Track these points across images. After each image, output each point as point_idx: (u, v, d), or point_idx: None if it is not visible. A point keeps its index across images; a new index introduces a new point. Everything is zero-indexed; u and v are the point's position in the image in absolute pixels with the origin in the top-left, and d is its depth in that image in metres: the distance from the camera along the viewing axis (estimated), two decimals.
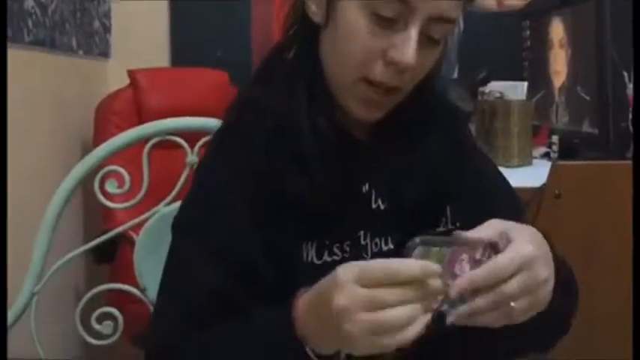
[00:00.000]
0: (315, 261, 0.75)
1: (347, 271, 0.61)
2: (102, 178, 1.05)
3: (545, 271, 0.65)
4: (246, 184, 0.75)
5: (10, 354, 1.01)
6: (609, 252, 1.27)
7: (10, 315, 1.03)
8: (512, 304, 0.63)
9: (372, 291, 0.59)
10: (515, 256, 0.63)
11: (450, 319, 0.63)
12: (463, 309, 0.63)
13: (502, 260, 0.63)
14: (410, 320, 0.59)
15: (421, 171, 0.78)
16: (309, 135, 0.74)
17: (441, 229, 0.82)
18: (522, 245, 0.64)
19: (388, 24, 0.70)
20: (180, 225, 0.80)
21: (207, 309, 0.72)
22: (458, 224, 0.82)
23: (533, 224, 1.25)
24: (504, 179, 0.91)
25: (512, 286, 0.63)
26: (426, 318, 0.60)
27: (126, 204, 1.07)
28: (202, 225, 0.77)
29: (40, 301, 1.05)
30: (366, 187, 0.78)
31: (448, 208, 0.82)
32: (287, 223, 0.74)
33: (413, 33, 0.70)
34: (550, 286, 0.66)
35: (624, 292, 0.96)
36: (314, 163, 0.74)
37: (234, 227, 0.75)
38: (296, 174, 0.73)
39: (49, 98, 1.76)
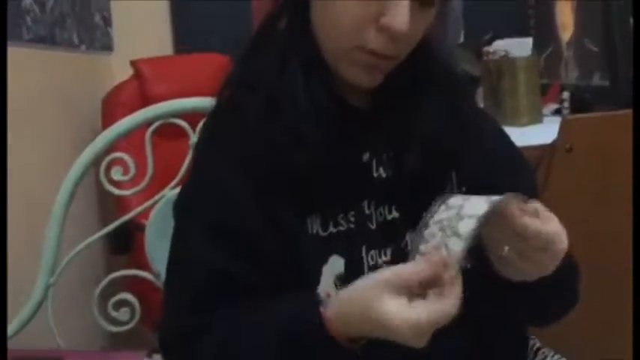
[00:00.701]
0: (321, 233, 0.74)
1: (378, 282, 0.62)
2: (108, 167, 1.06)
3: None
4: (244, 163, 0.74)
5: (28, 345, 1.03)
6: (623, 200, 1.24)
7: (28, 308, 1.04)
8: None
9: (415, 313, 0.60)
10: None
11: None
12: None
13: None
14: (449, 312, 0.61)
15: (421, 136, 0.77)
16: (305, 107, 0.73)
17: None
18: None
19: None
20: (180, 207, 0.79)
21: (213, 290, 0.72)
22: (464, 189, 0.80)
23: (545, 181, 1.24)
24: (509, 140, 0.90)
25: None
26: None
27: (132, 190, 1.07)
28: (202, 205, 0.76)
29: (57, 294, 1.06)
30: (366, 156, 0.77)
31: (454, 174, 0.81)
32: (290, 198, 0.73)
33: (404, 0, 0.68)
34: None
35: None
36: (312, 135, 0.72)
37: (235, 206, 0.74)
38: (294, 148, 0.72)
39: (54, 95, 1.76)
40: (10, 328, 1.03)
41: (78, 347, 1.21)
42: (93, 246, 1.11)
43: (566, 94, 1.67)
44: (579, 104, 1.63)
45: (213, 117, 0.81)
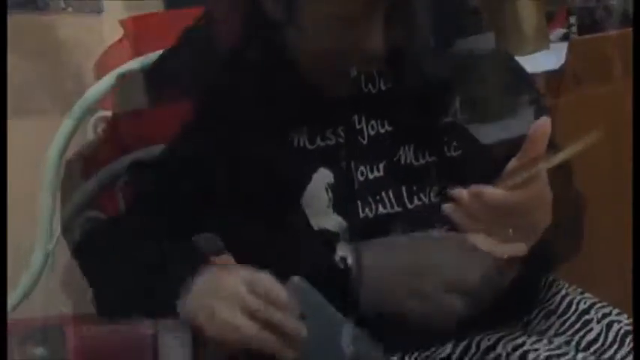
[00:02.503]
0: (308, 146, 0.75)
1: (240, 272, 0.68)
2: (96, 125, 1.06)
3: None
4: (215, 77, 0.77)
5: (32, 313, 1.03)
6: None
7: (28, 278, 1.04)
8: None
9: (251, 298, 0.66)
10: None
11: None
12: None
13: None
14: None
15: (412, 47, 0.77)
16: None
17: (449, 119, 0.79)
18: None
19: (355, 17, 0.70)
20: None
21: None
22: (466, 116, 0.79)
23: (554, 106, 1.19)
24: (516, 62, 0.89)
25: None
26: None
27: None
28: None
29: (58, 260, 1.06)
30: (353, 72, 0.76)
31: (458, 99, 0.79)
32: (273, 112, 0.74)
33: (378, 22, 0.70)
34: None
35: None
36: (296, 52, 0.74)
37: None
38: (278, 64, 0.74)
39: (42, 61, 1.74)
40: (12, 298, 1.03)
41: (83, 310, 1.22)
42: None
43: (573, 19, 1.62)
44: (587, 27, 1.58)
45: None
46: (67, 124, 1.05)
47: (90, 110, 1.07)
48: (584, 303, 0.85)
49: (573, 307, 0.85)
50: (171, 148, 0.80)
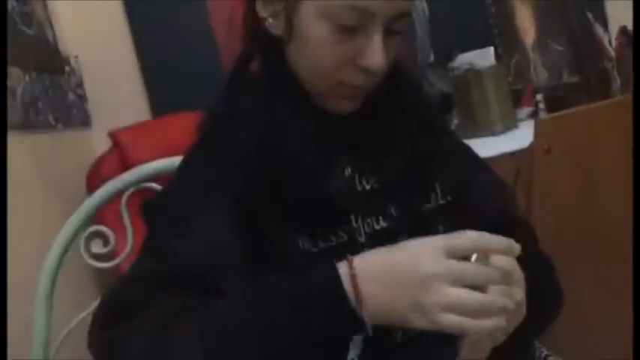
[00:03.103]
0: (312, 249, 0.75)
1: (434, 241, 0.62)
2: (88, 241, 1.06)
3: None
4: (228, 181, 0.75)
5: None
6: (608, 193, 1.23)
7: None
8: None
9: (461, 265, 0.60)
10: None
11: None
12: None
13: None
14: (493, 312, 0.60)
15: (396, 145, 0.80)
16: (300, 138, 0.75)
17: (432, 204, 0.83)
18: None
19: (352, 31, 0.72)
20: (154, 210, 0.78)
21: (176, 282, 0.69)
22: (449, 198, 0.83)
23: (529, 185, 1.24)
24: (480, 160, 0.93)
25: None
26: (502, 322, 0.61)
27: (112, 262, 1.07)
28: (178, 210, 0.75)
29: None
30: (348, 171, 0.79)
31: (437, 184, 0.83)
32: (279, 216, 0.74)
33: (377, 38, 0.72)
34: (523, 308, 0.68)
35: (626, 232, 0.93)
36: (301, 159, 0.75)
37: (211, 213, 0.73)
38: (284, 170, 0.74)
39: (36, 177, 1.77)
40: None
41: None
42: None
43: (539, 96, 1.67)
44: (554, 103, 1.63)
45: (199, 143, 0.82)
46: (60, 238, 1.06)
47: (84, 224, 1.07)
48: None
49: None
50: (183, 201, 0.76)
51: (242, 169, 0.74)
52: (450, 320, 0.61)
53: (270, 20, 0.77)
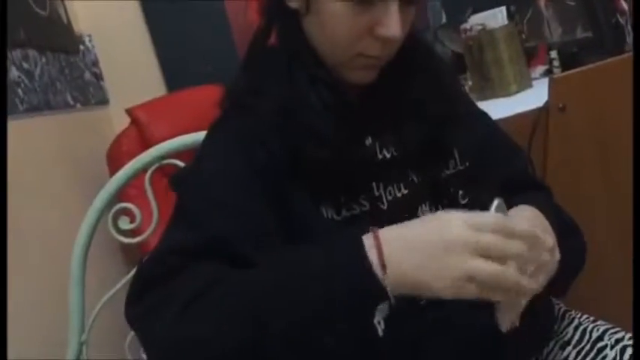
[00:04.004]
0: (335, 217, 0.77)
1: (458, 214, 0.64)
2: (115, 217, 1.09)
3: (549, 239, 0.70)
4: (253, 150, 0.76)
5: None
6: (624, 149, 1.23)
7: None
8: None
9: (485, 235, 0.62)
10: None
11: None
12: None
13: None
14: (515, 285, 0.62)
15: (411, 116, 0.81)
16: (318, 108, 0.77)
17: (451, 170, 0.84)
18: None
19: (369, 2, 0.73)
20: (183, 182, 0.80)
21: (210, 251, 0.71)
22: (467, 164, 0.85)
23: (544, 144, 1.25)
24: (496, 125, 0.95)
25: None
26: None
27: (139, 238, 1.10)
28: (208, 184, 0.77)
29: (92, 341, 1.08)
30: (369, 141, 0.81)
31: (455, 151, 0.85)
32: (302, 186, 0.76)
33: (394, 8, 0.73)
34: (557, 252, 0.71)
35: None
36: (327, 132, 0.76)
37: (240, 186, 0.75)
38: (306, 142, 0.76)
39: (59, 157, 1.80)
40: None
41: None
42: (121, 293, 1.14)
43: (553, 53, 1.66)
44: (568, 60, 1.62)
45: (220, 119, 0.84)
46: (88, 217, 1.09)
47: (110, 202, 1.10)
48: (597, 330, 0.88)
49: (587, 335, 0.87)
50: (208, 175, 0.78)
51: (265, 143, 0.76)
52: (471, 290, 0.62)
53: None
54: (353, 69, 0.79)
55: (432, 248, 0.62)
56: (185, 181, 0.80)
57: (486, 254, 0.61)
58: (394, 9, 0.73)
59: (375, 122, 0.81)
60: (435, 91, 0.83)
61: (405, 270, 0.63)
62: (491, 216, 0.64)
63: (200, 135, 1.06)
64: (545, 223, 0.75)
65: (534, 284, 0.67)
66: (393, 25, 0.73)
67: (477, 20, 1.66)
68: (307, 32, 0.79)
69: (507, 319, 0.68)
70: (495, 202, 0.66)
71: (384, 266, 0.63)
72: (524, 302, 0.68)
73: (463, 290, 0.62)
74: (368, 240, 0.65)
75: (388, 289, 0.63)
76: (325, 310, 0.64)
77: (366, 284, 0.63)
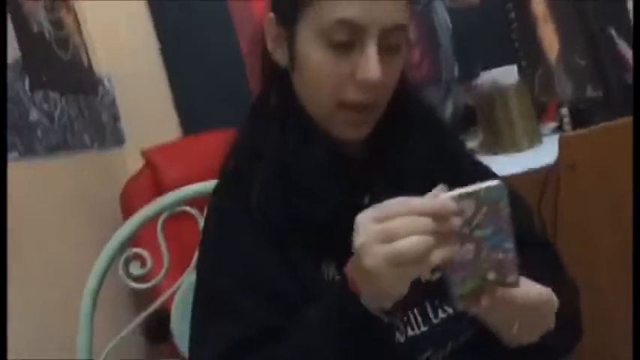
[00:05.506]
0: (337, 277, 0.78)
1: (364, 213, 0.65)
2: (126, 262, 1.10)
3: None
4: (257, 222, 0.78)
5: None
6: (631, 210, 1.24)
7: None
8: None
9: (385, 224, 0.62)
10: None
11: None
12: None
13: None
14: (426, 249, 0.61)
15: (414, 174, 0.81)
16: (311, 166, 0.78)
17: None
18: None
19: (347, 47, 0.75)
20: (203, 267, 0.83)
21: (253, 339, 0.73)
22: None
23: (555, 201, 1.25)
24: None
25: None
26: (446, 250, 0.62)
27: (149, 283, 1.11)
28: (226, 261, 0.79)
29: None
30: (367, 200, 0.81)
31: None
32: (303, 249, 0.77)
33: (371, 50, 0.74)
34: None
35: None
36: (324, 190, 0.77)
37: (256, 257, 0.77)
38: (303, 203, 0.77)
39: (73, 198, 1.83)
40: None
41: None
42: (129, 338, 1.15)
43: (564, 110, 1.68)
44: (578, 118, 1.64)
45: (222, 186, 0.86)
46: (99, 263, 1.10)
47: (122, 248, 1.12)
48: None
49: None
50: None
51: (265, 208, 0.77)
52: (409, 271, 0.63)
53: (279, 53, 0.81)
54: (339, 124, 0.79)
55: (355, 259, 0.65)
56: (205, 263, 0.83)
57: (394, 237, 0.61)
58: (372, 51, 0.73)
59: (374, 181, 0.81)
60: (435, 150, 0.84)
61: (363, 290, 0.66)
62: (395, 201, 0.64)
63: (212, 184, 1.08)
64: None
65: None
66: (371, 67, 0.73)
67: (489, 76, 1.69)
68: (296, 90, 0.81)
69: (502, 326, 0.70)
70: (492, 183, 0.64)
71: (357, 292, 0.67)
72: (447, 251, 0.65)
73: (402, 276, 0.63)
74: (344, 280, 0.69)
75: (373, 312, 0.67)
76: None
77: (364, 319, 0.67)
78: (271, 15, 0.82)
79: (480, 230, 0.64)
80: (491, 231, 0.64)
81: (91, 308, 1.08)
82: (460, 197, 0.63)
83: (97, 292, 1.08)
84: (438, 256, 0.61)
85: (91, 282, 1.08)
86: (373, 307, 0.67)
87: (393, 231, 0.61)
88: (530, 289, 0.69)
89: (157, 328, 1.69)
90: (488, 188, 0.63)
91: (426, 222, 0.61)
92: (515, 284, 0.67)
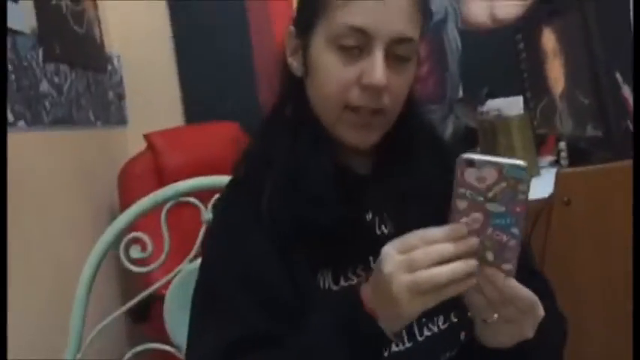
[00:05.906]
0: (333, 287, 0.81)
1: (389, 245, 0.68)
2: (127, 245, 1.12)
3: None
4: (265, 227, 0.80)
5: None
6: (623, 250, 1.28)
7: None
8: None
9: (410, 254, 0.66)
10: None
11: None
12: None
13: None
14: (451, 275, 0.65)
15: (416, 196, 0.84)
16: (318, 177, 0.80)
17: None
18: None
19: (355, 53, 0.78)
20: (206, 265, 0.85)
21: (250, 340, 0.75)
22: None
23: (546, 234, 1.28)
24: None
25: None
26: (463, 284, 0.66)
27: (149, 267, 1.13)
28: (229, 260, 0.81)
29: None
30: (369, 216, 0.84)
31: None
32: (304, 257, 0.79)
33: (378, 55, 0.77)
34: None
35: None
36: (329, 200, 0.79)
37: (264, 263, 0.79)
38: (308, 210, 0.79)
39: (73, 171, 1.84)
40: None
41: None
42: (116, 318, 1.17)
43: (562, 145, 1.72)
44: (576, 155, 1.68)
45: (231, 189, 0.88)
46: (97, 248, 1.11)
47: (120, 235, 1.13)
48: None
49: None
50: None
51: (271, 215, 0.80)
52: (427, 300, 0.66)
53: (295, 63, 0.84)
54: (345, 126, 0.81)
55: (380, 285, 0.68)
56: (209, 262, 0.84)
57: (417, 267, 0.65)
58: (379, 57, 0.76)
59: (378, 198, 0.84)
60: (438, 170, 0.86)
61: (382, 314, 0.70)
62: (413, 234, 0.67)
63: (217, 179, 1.11)
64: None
65: (465, 265, 0.67)
66: (376, 73, 0.76)
67: (494, 105, 1.73)
68: (310, 97, 0.83)
69: (482, 310, 0.71)
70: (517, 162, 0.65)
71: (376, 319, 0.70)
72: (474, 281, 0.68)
73: (420, 305, 0.66)
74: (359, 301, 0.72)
75: (387, 333, 0.70)
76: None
77: (375, 339, 0.72)
78: (291, 28, 0.85)
79: (492, 204, 0.64)
80: (504, 210, 0.64)
81: (86, 297, 1.10)
82: (484, 163, 0.64)
83: (93, 278, 1.10)
84: (455, 288, 0.66)
85: (86, 271, 1.10)
86: (388, 330, 0.71)
87: (416, 261, 0.65)
88: (520, 285, 0.70)
89: (140, 309, 1.72)
90: (513, 165, 0.63)
91: (445, 248, 0.66)
92: (510, 274, 0.68)
